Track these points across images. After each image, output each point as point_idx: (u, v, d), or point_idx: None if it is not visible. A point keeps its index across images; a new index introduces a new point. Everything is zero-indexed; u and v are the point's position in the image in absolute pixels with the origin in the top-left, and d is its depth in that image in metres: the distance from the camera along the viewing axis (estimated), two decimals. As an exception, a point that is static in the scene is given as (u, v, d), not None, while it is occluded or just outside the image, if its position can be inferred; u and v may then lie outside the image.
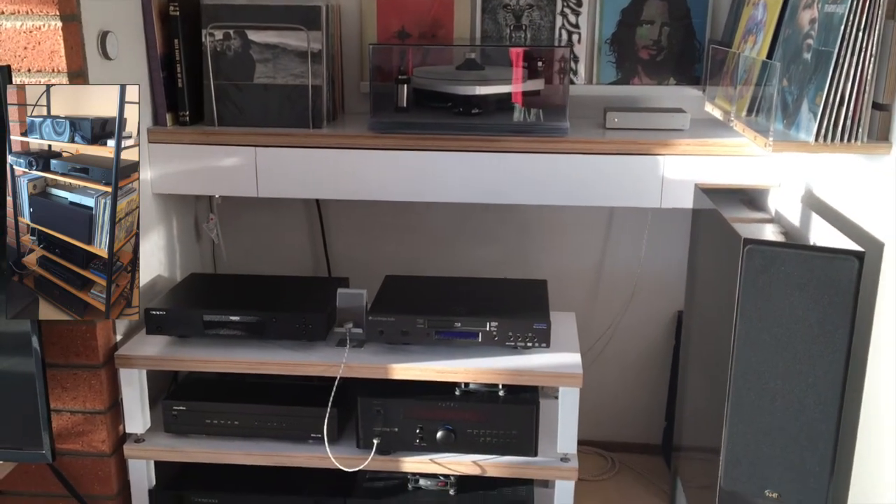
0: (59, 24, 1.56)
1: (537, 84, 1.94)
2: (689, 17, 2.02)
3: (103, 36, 1.68)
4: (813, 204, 1.56)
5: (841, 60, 1.22)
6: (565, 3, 2.04)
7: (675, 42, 2.03)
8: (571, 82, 2.06)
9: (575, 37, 2.06)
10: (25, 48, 1.57)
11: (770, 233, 1.60)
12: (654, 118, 1.90)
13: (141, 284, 1.86)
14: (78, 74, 1.61)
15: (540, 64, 1.94)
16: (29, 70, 1.57)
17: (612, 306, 2.22)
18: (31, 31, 1.56)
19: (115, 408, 1.78)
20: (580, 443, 2.24)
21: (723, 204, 1.67)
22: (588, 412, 2.18)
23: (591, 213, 2.17)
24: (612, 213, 2.17)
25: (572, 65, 2.06)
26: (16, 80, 1.51)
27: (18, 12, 1.55)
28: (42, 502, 1.82)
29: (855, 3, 1.20)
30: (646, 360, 2.26)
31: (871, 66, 1.22)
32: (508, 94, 1.92)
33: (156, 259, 1.97)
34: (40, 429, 1.56)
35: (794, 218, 1.60)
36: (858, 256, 1.17)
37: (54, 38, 1.56)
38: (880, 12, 1.21)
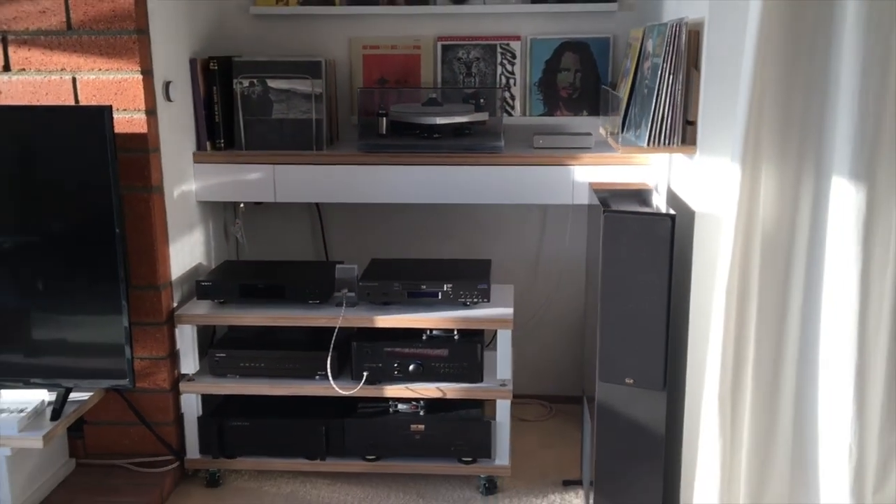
0: (140, 76, 2.22)
1: (482, 115, 2.61)
2: (595, 66, 2.71)
3: (167, 85, 2.35)
4: (669, 195, 2.23)
5: (660, 93, 1.89)
6: (503, 56, 2.73)
7: (586, 84, 2.72)
8: (510, 115, 2.74)
9: (511, 81, 2.74)
10: (116, 93, 2.23)
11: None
12: (568, 139, 2.57)
13: (187, 269, 2.51)
14: (151, 112, 2.27)
15: (482, 101, 2.62)
16: (117, 109, 2.23)
17: (547, 283, 2.87)
18: (120, 82, 2.22)
19: (173, 355, 2.41)
20: (526, 397, 2.89)
21: (622, 203, 2.31)
22: (531, 371, 2.83)
23: (530, 210, 2.83)
24: (546, 210, 2.83)
25: (510, 101, 2.74)
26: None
27: (112, 68, 2.22)
28: (118, 429, 2.44)
29: (667, 56, 1.88)
30: (576, 326, 2.90)
31: (681, 96, 1.90)
32: (461, 123, 2.59)
33: (198, 250, 2.61)
34: (125, 365, 2.18)
35: (662, 207, 2.26)
36: (671, 217, 1.83)
37: (136, 87, 2.23)
38: (684, 62, 1.89)
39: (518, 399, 2.55)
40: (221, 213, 2.82)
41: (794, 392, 1.76)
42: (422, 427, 2.37)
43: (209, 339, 2.57)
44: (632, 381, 1.93)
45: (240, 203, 2.78)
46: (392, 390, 2.36)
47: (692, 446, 1.96)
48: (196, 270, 2.57)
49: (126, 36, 2.18)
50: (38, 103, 2.22)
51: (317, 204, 2.86)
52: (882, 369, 1.67)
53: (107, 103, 2.18)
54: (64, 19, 2.18)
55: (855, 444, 1.68)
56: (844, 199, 1.59)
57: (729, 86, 1.72)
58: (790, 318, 1.72)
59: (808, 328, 1.71)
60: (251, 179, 2.53)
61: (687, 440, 2.01)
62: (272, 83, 2.55)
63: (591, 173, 2.45)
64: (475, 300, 2.35)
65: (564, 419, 2.84)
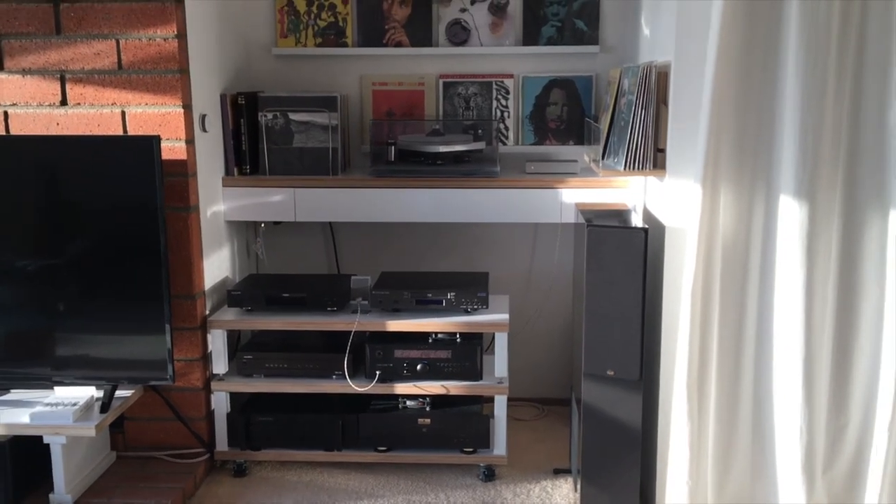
0: (181, 110, 2.53)
1: (479, 144, 2.93)
2: (580, 101, 3.03)
3: (202, 117, 2.66)
4: (645, 213, 2.54)
5: (634, 125, 2.21)
6: (498, 92, 3.05)
7: (572, 117, 3.04)
8: (504, 144, 3.06)
9: (505, 114, 3.06)
10: (160, 125, 2.53)
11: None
12: (556, 165, 2.89)
13: (216, 281, 2.80)
14: (190, 141, 2.57)
15: (480, 131, 2.94)
16: (162, 138, 2.53)
17: (538, 295, 3.17)
18: (164, 115, 2.53)
19: (206, 357, 2.69)
20: (520, 399, 3.16)
21: (603, 220, 2.60)
22: (525, 375, 3.11)
23: (522, 229, 3.14)
24: (537, 229, 3.14)
25: (504, 132, 3.06)
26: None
27: (157, 103, 2.52)
28: (156, 424, 2.71)
29: (639, 93, 2.20)
30: (565, 334, 3.20)
31: (651, 128, 2.22)
32: (461, 151, 2.90)
33: (225, 265, 2.90)
34: (167, 364, 2.46)
35: (638, 223, 2.57)
36: (644, 231, 2.13)
37: (178, 119, 2.53)
38: (654, 99, 2.21)
39: (513, 401, 2.84)
40: (244, 232, 3.11)
41: (752, 381, 2.04)
42: (428, 421, 2.65)
43: (236, 343, 2.86)
44: (612, 372, 2.23)
45: (260, 223, 3.08)
46: (401, 388, 2.65)
47: (666, 433, 2.23)
48: (223, 283, 2.86)
49: (170, 75, 2.49)
50: (90, 133, 2.52)
51: (329, 223, 3.16)
52: (827, 361, 1.97)
53: (153, 133, 2.49)
54: (115, 60, 2.49)
55: (805, 426, 1.96)
56: (791, 215, 1.89)
57: (691, 118, 2.03)
58: (747, 317, 2.01)
59: (763, 326, 2.00)
60: (274, 201, 2.83)
61: (661, 429, 2.29)
62: (293, 115, 2.86)
63: (577, 195, 2.76)
64: (475, 307, 2.65)
65: (555, 419, 3.12)
